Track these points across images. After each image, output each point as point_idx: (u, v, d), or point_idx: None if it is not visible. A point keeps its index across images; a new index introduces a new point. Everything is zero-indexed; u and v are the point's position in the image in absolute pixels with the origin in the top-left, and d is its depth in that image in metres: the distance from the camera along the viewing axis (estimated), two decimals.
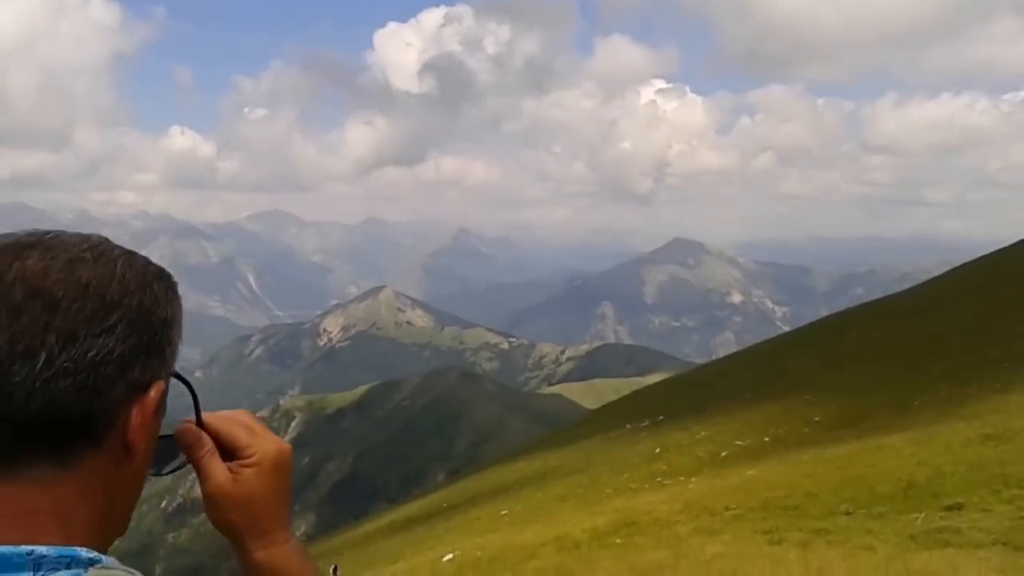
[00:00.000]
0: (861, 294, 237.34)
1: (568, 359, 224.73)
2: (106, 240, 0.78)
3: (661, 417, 33.51)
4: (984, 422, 13.70)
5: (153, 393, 0.75)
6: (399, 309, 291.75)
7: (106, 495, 0.74)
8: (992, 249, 47.92)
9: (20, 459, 0.69)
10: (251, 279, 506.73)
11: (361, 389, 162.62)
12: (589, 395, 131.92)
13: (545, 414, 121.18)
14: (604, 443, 31.46)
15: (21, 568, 0.67)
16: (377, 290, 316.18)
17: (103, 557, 0.72)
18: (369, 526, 37.35)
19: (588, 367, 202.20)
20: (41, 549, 0.68)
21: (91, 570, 0.70)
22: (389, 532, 29.19)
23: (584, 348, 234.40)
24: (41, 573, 0.68)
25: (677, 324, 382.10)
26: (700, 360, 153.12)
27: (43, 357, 0.67)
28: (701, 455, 21.26)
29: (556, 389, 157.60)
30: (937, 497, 10.18)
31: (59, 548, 0.69)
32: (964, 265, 47.32)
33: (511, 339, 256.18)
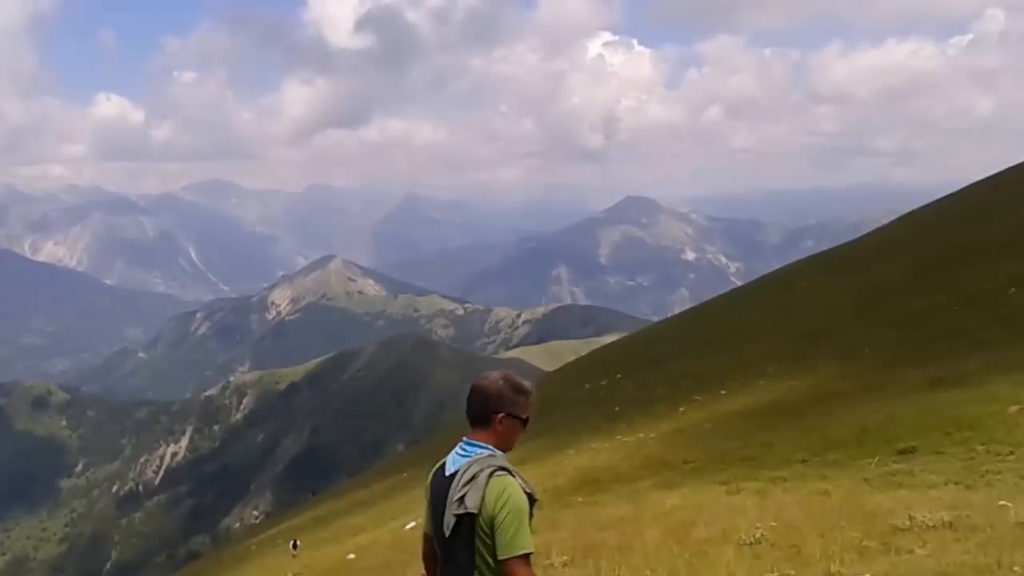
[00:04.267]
0: (812, 246, 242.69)
1: (525, 322, 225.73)
2: (500, 371, 2.84)
3: (619, 376, 33.72)
4: (935, 366, 13.93)
5: (525, 415, 2.79)
6: (350, 278, 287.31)
7: (502, 439, 2.76)
8: (938, 196, 48.73)
9: (489, 422, 2.73)
10: (192, 253, 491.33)
11: (314, 362, 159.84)
12: (547, 357, 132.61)
13: None
14: (564, 404, 31.53)
15: (487, 447, 2.72)
16: (326, 259, 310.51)
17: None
18: (331, 504, 36.91)
19: (545, 330, 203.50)
20: (490, 447, 2.75)
21: (500, 453, 2.73)
22: (350, 508, 28.85)
23: (540, 311, 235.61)
24: (490, 451, 2.70)
25: (632, 283, 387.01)
26: (656, 319, 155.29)
27: (501, 400, 2.72)
28: (659, 411, 21.44)
29: (514, 353, 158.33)
30: (890, 442, 10.31)
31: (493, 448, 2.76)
32: (910, 213, 48.04)
33: (466, 305, 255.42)
